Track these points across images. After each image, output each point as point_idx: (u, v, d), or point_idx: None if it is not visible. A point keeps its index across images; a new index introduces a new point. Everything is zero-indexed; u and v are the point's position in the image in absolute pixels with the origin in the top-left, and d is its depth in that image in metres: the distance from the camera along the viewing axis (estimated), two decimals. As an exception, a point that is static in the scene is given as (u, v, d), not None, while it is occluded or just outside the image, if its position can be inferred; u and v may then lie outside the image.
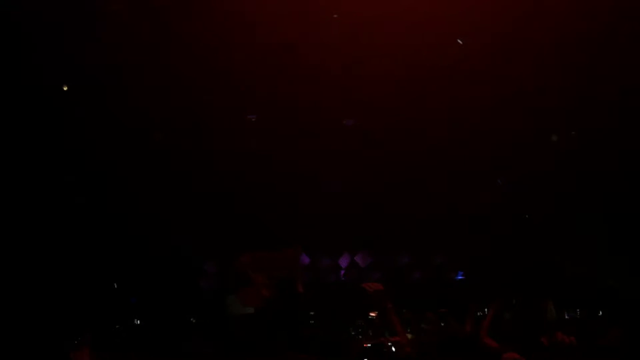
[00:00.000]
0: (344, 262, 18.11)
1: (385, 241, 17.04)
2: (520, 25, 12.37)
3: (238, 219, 15.12)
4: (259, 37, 11.95)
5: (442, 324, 8.36)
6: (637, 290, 13.02)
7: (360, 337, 11.01)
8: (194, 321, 14.33)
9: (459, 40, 13.24)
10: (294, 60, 12.52)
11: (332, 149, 15.02)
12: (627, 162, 13.79)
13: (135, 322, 14.12)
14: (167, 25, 12.04)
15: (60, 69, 12.57)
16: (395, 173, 15.33)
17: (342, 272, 17.89)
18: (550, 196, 15.25)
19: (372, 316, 12.82)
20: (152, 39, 12.19)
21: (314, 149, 14.85)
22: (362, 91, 13.76)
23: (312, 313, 13.16)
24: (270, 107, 14.16)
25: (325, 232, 16.25)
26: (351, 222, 16.28)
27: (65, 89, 13.13)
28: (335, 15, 12.15)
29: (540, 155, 15.14)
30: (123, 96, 13.07)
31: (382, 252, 17.65)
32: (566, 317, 13.32)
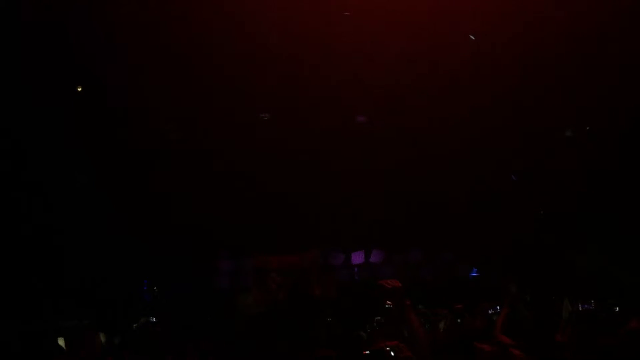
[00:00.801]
0: (358, 259, 18.11)
1: (398, 238, 17.04)
2: (534, 21, 12.32)
3: (252, 218, 15.17)
4: (268, 36, 11.96)
5: (458, 320, 8.37)
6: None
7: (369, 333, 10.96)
8: (209, 319, 14.40)
9: (471, 36, 13.21)
10: (305, 60, 12.54)
11: (344, 146, 15.03)
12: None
13: (151, 319, 14.20)
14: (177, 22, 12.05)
15: (68, 69, 12.65)
16: (407, 170, 15.33)
17: (356, 269, 17.89)
18: (563, 192, 15.20)
19: (388, 304, 12.76)
20: (162, 37, 12.22)
21: (326, 147, 14.87)
22: (374, 89, 13.76)
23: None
24: (283, 106, 14.20)
25: (338, 230, 16.28)
26: (365, 220, 16.30)
27: (79, 89, 13.21)
28: (347, 13, 12.15)
29: (553, 150, 15.10)
30: (134, 96, 13.12)
31: (395, 249, 17.66)
32: (580, 309, 13.24)
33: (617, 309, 12.36)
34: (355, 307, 13.65)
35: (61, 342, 11.18)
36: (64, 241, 14.24)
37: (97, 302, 13.98)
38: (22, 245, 13.48)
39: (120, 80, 12.52)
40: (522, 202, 15.90)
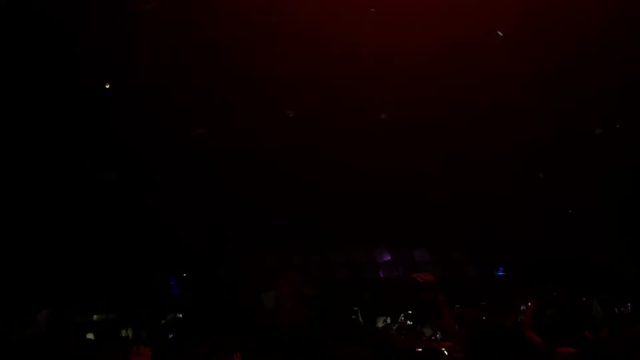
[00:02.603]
0: (383, 257, 18.06)
1: (436, 238, 16.94)
2: (563, 19, 12.16)
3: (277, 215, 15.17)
4: (287, 28, 11.88)
5: (483, 317, 8.30)
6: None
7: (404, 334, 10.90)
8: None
9: (499, 32, 13.06)
10: (327, 54, 12.47)
11: (374, 144, 14.93)
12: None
13: (178, 316, 14.33)
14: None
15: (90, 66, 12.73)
16: (434, 168, 15.20)
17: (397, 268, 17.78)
18: (593, 191, 14.98)
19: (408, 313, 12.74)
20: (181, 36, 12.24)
21: (358, 144, 14.76)
22: (402, 85, 13.63)
23: (355, 308, 13.17)
24: (306, 102, 14.12)
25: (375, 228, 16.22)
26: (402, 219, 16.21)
27: (107, 86, 13.31)
28: (372, 9, 12.08)
29: (586, 148, 14.87)
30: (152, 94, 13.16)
31: (437, 248, 17.62)
32: (617, 311, 13.03)
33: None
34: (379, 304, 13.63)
35: (90, 336, 11.33)
36: (91, 235, 14.39)
37: (125, 297, 14.12)
38: (50, 239, 13.66)
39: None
40: (550, 200, 15.71)
